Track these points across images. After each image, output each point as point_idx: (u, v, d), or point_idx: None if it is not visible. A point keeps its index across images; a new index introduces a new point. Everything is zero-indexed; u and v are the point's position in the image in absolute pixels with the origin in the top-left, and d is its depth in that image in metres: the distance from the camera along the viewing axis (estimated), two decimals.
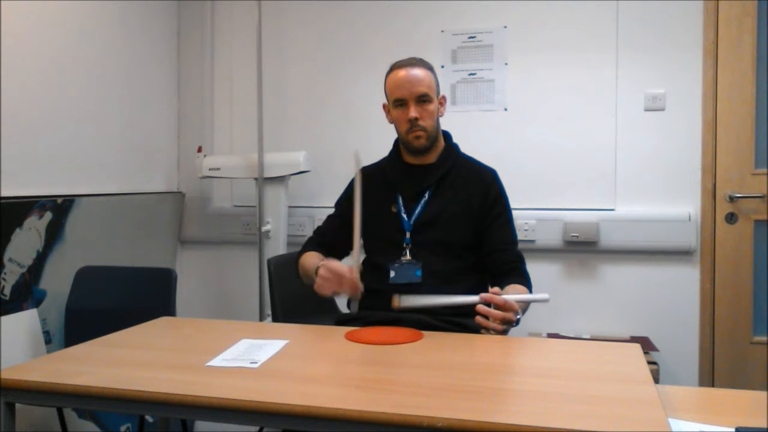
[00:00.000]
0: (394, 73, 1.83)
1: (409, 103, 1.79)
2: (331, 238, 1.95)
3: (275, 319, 2.08)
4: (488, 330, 1.54)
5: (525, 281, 1.79)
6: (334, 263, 1.66)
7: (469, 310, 1.56)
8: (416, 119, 1.78)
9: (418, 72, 1.80)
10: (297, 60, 3.02)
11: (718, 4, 2.60)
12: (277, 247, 2.78)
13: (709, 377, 2.62)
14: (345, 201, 1.99)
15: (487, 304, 1.53)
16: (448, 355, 1.42)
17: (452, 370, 1.30)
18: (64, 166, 2.39)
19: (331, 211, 2.02)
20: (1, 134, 2.09)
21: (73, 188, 2.42)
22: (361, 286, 1.64)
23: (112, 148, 2.67)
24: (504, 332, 1.55)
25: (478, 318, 1.53)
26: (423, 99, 1.79)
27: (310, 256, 1.89)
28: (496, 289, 1.57)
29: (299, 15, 3.01)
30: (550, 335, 2.64)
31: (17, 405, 1.28)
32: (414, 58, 1.86)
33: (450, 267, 1.79)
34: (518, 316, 1.55)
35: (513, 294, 1.60)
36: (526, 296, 1.64)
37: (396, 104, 1.82)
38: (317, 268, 1.70)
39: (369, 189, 1.93)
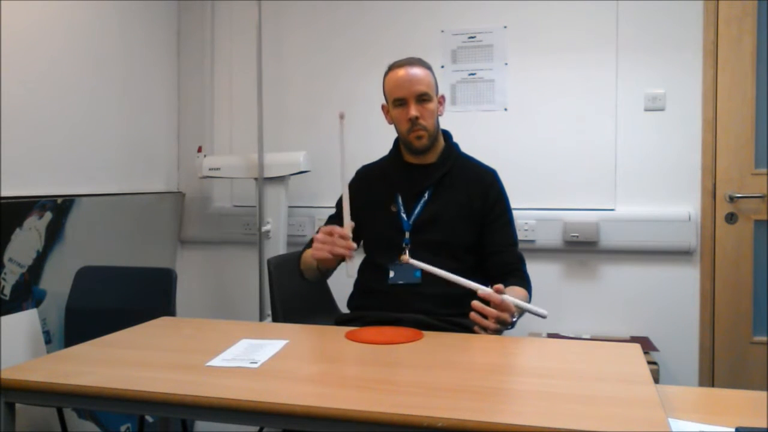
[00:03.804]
0: (393, 73, 1.82)
1: (409, 102, 1.79)
2: None
3: (275, 319, 2.08)
4: (482, 328, 1.54)
5: (525, 283, 1.79)
6: (326, 228, 1.66)
7: (469, 308, 1.55)
8: (417, 118, 1.78)
9: (417, 71, 1.80)
10: (297, 60, 3.02)
11: (718, 4, 2.60)
12: (277, 247, 2.78)
13: (709, 377, 2.62)
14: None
15: (485, 302, 1.53)
16: (448, 355, 1.42)
17: (452, 370, 1.30)
18: (64, 166, 2.39)
19: (332, 210, 2.02)
20: (1, 134, 2.09)
21: (73, 188, 2.42)
22: (353, 244, 1.64)
23: (112, 148, 2.67)
24: (498, 332, 1.54)
25: (473, 315, 1.53)
26: (423, 98, 1.79)
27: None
28: (500, 286, 1.55)
29: (299, 15, 3.01)
30: (550, 335, 2.64)
31: (17, 405, 1.28)
32: (412, 58, 1.85)
33: (449, 268, 1.77)
34: (513, 319, 1.55)
35: (513, 296, 1.58)
36: (526, 305, 1.61)
37: (396, 104, 1.82)
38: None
39: (369, 188, 1.93)
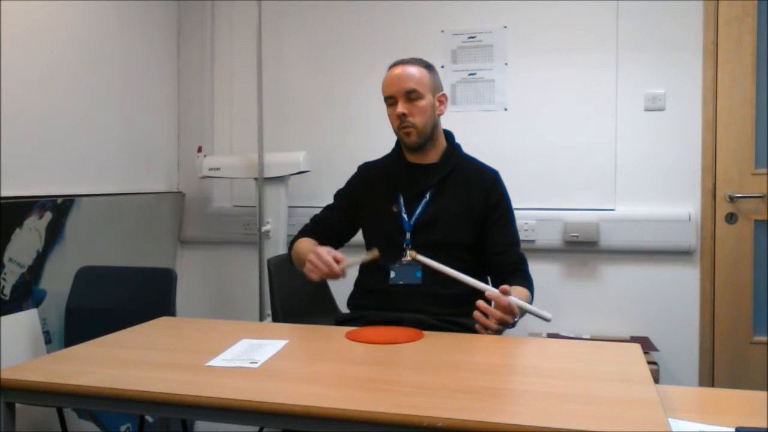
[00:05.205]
0: (388, 72, 1.84)
1: (397, 99, 1.79)
2: (327, 227, 1.97)
3: (275, 319, 2.08)
4: (484, 327, 1.54)
5: (527, 283, 1.78)
6: (323, 251, 1.66)
7: (470, 308, 1.56)
8: (404, 115, 1.78)
9: (409, 69, 1.80)
10: (297, 60, 3.02)
11: (718, 4, 2.60)
12: (277, 247, 2.78)
13: (709, 377, 2.62)
14: (344, 193, 2.00)
15: (489, 301, 1.53)
16: (448, 355, 1.42)
17: (452, 370, 1.30)
18: (64, 166, 2.39)
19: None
20: (1, 134, 2.09)
21: (73, 188, 2.42)
22: (346, 274, 1.65)
23: (112, 148, 2.67)
24: (498, 332, 1.55)
25: (476, 313, 1.53)
26: (411, 95, 1.79)
27: (304, 242, 1.90)
28: (506, 287, 1.55)
29: (299, 15, 3.01)
30: (550, 335, 2.64)
31: (17, 405, 1.28)
32: (412, 58, 1.85)
33: (450, 268, 1.78)
34: (516, 319, 1.55)
35: (519, 297, 1.58)
36: (532, 308, 1.60)
37: (388, 102, 1.83)
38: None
39: (370, 187, 1.94)
